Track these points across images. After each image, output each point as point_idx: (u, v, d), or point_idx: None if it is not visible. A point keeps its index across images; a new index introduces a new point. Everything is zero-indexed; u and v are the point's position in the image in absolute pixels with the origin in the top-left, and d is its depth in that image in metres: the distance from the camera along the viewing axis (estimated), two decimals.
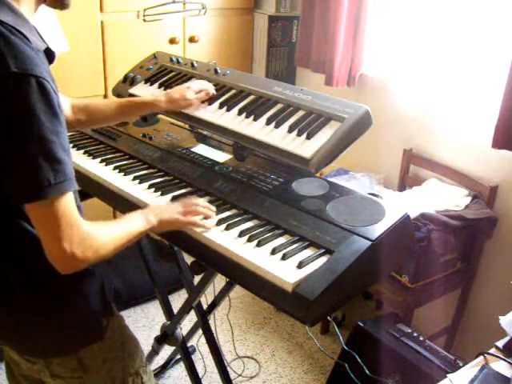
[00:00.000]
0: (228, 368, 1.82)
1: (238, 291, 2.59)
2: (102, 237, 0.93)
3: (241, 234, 1.11)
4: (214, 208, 1.17)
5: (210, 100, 1.47)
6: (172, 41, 2.56)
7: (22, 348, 1.06)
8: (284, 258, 1.03)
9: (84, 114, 1.33)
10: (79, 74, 2.31)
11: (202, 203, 1.16)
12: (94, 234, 0.91)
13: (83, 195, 1.34)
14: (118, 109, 1.37)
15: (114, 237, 0.97)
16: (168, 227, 1.11)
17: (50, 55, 0.94)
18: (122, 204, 1.32)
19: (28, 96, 0.80)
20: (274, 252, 1.05)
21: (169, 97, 1.40)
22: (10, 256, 0.95)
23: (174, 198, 1.25)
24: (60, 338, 1.02)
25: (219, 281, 1.72)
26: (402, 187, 2.30)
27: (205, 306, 1.76)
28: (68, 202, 0.87)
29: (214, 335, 1.74)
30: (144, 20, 2.44)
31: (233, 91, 1.49)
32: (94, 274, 1.05)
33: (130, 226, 1.02)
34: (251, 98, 1.45)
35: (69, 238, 0.86)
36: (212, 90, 1.48)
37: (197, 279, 1.59)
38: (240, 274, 1.05)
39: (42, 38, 0.94)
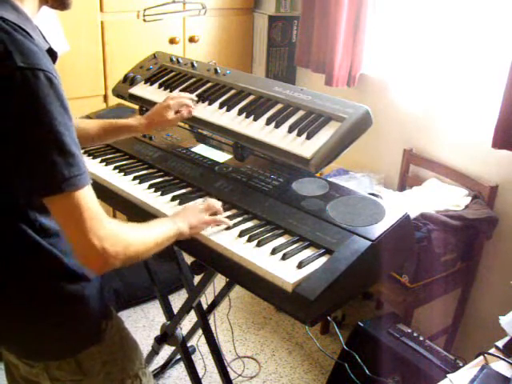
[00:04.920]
0: (228, 368, 1.82)
1: (238, 291, 2.59)
2: (131, 235, 0.91)
3: (241, 234, 1.11)
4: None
5: (189, 115, 1.44)
6: (172, 41, 2.56)
7: (21, 351, 1.05)
8: (284, 257, 1.03)
9: None
10: (79, 74, 2.31)
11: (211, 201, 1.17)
12: (121, 231, 0.88)
13: None
14: (101, 130, 1.37)
15: (143, 237, 0.94)
16: (198, 230, 1.11)
17: (52, 55, 0.93)
18: (122, 204, 1.32)
19: (37, 89, 0.79)
20: (274, 252, 1.05)
21: (149, 120, 1.38)
22: (9, 259, 0.94)
23: (174, 198, 1.26)
24: (59, 341, 1.01)
25: (219, 281, 1.71)
26: (402, 187, 2.30)
27: (205, 306, 1.76)
28: (88, 196, 0.84)
29: (214, 335, 1.74)
30: (144, 20, 2.44)
31: (233, 91, 1.49)
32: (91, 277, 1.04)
33: (160, 229, 1.01)
34: (251, 97, 1.45)
35: (96, 231, 0.83)
36: (191, 103, 1.45)
37: (197, 279, 1.59)
38: (240, 274, 1.05)
39: (44, 37, 0.94)
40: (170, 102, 1.40)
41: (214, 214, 1.15)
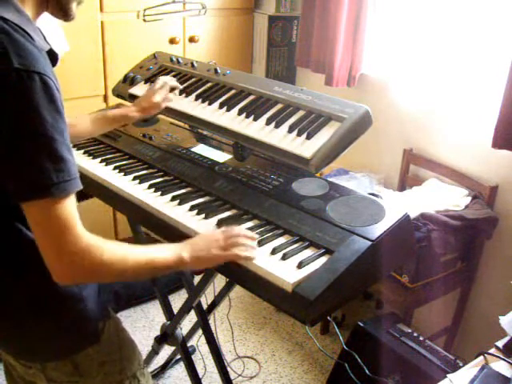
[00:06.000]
0: (228, 368, 1.82)
1: (238, 291, 2.59)
2: (109, 253, 0.86)
3: None
4: (255, 235, 1.08)
5: (173, 90, 1.52)
6: (172, 41, 2.56)
7: (17, 352, 1.04)
8: (284, 257, 1.03)
9: None
10: (79, 74, 2.31)
11: (242, 232, 1.06)
12: (97, 247, 0.85)
13: (83, 195, 1.34)
14: (93, 122, 1.38)
15: (126, 258, 0.89)
16: (206, 265, 1.03)
17: (52, 57, 0.93)
18: (122, 204, 1.32)
19: (31, 92, 0.79)
20: (274, 252, 1.05)
21: (139, 107, 1.42)
22: (5, 259, 0.94)
23: (174, 198, 1.25)
24: (55, 341, 1.01)
25: (219, 281, 1.72)
26: (401, 187, 2.30)
27: (205, 306, 1.76)
28: (70, 205, 0.83)
29: (214, 335, 1.74)
30: (144, 20, 2.44)
31: (233, 91, 1.49)
32: None
33: (156, 254, 0.95)
34: (251, 98, 1.45)
35: (68, 244, 0.81)
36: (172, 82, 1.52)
37: (197, 279, 1.59)
38: (240, 274, 1.05)
39: (45, 39, 0.94)
40: (155, 87, 1.47)
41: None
